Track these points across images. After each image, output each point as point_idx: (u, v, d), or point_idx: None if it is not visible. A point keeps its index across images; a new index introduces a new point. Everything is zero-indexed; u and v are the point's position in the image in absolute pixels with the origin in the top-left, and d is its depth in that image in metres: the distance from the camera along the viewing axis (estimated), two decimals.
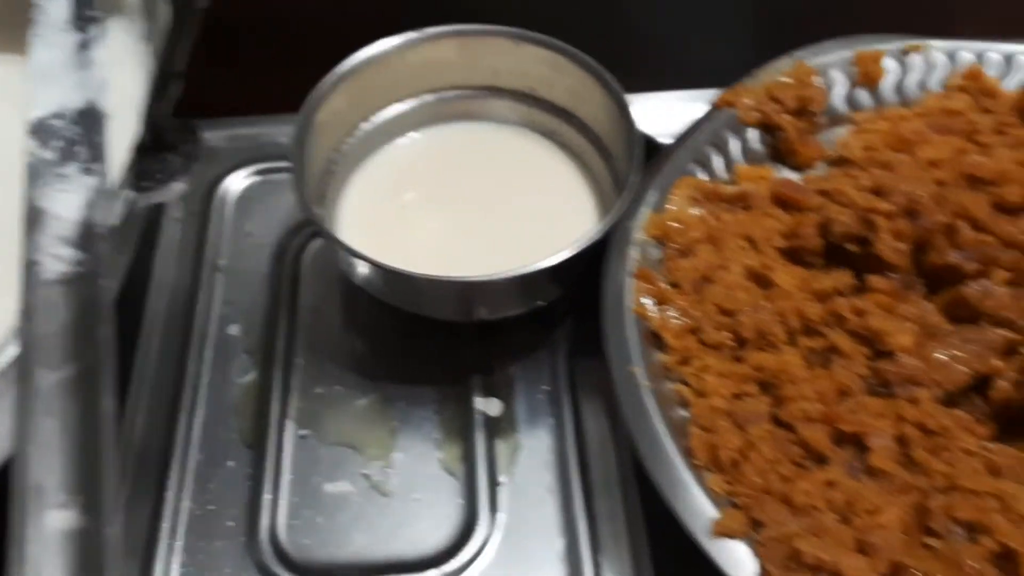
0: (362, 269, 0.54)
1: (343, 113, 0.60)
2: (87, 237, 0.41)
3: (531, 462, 0.54)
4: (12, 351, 0.39)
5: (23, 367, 0.38)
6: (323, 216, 0.58)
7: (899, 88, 0.62)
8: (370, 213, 0.61)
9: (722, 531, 0.43)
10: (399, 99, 0.63)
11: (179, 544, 0.51)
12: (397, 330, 0.59)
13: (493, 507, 0.52)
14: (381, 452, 0.54)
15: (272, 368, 0.58)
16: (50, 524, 0.35)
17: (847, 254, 0.52)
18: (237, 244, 0.64)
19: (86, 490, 0.36)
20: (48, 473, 0.36)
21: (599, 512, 0.51)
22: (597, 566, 0.50)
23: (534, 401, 0.56)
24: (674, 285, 0.53)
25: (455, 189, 0.62)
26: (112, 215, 0.42)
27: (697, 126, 0.59)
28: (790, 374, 0.47)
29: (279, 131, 0.68)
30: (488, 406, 0.56)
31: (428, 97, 0.64)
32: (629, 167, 0.55)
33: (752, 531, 0.43)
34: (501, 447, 0.54)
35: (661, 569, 0.49)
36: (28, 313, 0.39)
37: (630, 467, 0.53)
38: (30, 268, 0.40)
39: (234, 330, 0.60)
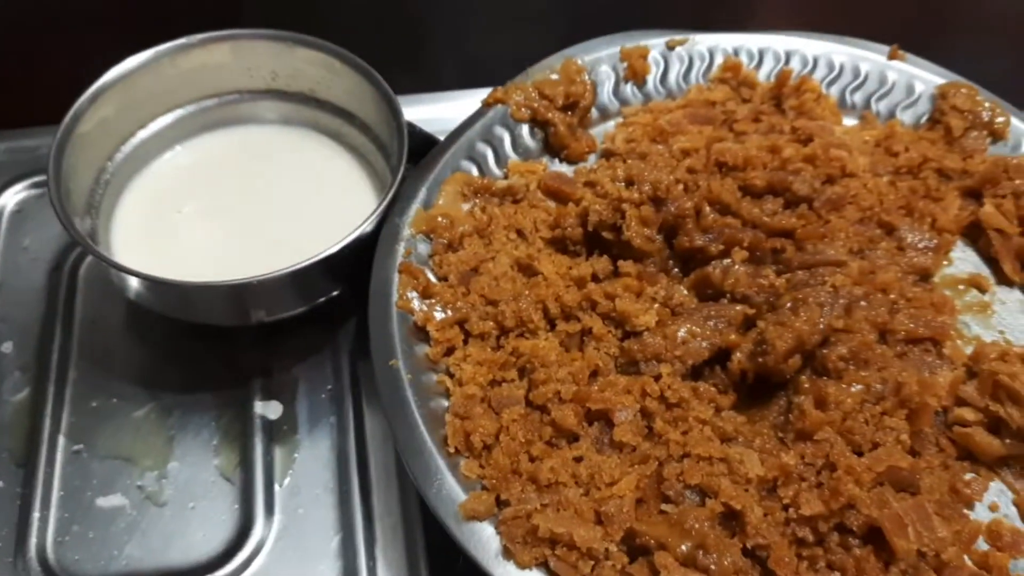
0: (133, 282, 0.54)
1: (112, 122, 0.59)
2: None
3: (310, 463, 0.54)
4: None
5: None
6: (94, 228, 0.57)
7: (664, 82, 0.65)
8: (148, 223, 0.59)
9: (468, 514, 0.44)
10: (177, 105, 0.62)
11: None
12: (177, 338, 0.58)
13: (269, 510, 0.52)
14: (157, 462, 0.53)
15: (46, 383, 0.56)
16: None
17: (605, 241, 0.55)
18: (13, 259, 0.62)
19: None
20: None
21: (376, 507, 0.52)
22: (372, 559, 0.50)
23: (316, 401, 0.56)
24: (443, 279, 0.54)
25: (238, 194, 0.61)
26: None
27: (468, 123, 0.60)
28: (542, 358, 0.49)
29: None
30: (267, 409, 0.56)
31: (208, 102, 0.63)
32: (399, 165, 0.56)
33: (498, 511, 0.44)
34: (280, 450, 0.54)
35: (434, 559, 0.50)
36: None
37: None
38: None
39: (7, 348, 0.58)
